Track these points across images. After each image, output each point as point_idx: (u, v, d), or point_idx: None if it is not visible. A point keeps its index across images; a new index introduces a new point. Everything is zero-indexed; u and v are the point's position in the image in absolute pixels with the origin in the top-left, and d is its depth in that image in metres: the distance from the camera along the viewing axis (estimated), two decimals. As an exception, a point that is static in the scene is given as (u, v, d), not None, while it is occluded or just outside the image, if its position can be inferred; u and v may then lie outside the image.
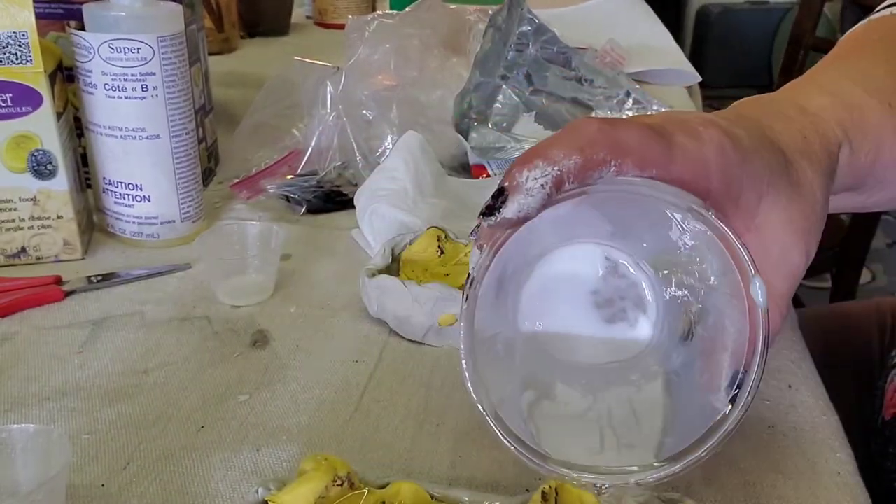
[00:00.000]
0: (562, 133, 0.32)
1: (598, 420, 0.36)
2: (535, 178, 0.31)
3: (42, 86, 0.59)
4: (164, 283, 0.61)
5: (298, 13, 1.63)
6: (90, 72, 0.61)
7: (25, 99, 0.59)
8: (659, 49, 1.22)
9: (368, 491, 0.38)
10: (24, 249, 0.63)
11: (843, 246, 1.51)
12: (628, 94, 0.93)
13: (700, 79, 1.16)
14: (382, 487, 0.39)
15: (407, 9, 0.94)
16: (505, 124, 0.88)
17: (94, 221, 0.69)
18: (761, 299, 0.31)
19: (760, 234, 0.35)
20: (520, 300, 0.36)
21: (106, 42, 0.59)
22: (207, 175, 0.79)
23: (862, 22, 0.55)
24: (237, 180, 0.79)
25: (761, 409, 0.48)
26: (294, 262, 0.65)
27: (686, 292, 0.35)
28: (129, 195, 0.64)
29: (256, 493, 0.38)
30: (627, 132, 0.32)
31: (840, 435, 0.47)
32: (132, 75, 0.60)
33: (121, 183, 0.64)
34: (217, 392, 0.49)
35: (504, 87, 0.89)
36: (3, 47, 0.57)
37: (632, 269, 0.36)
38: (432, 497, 0.39)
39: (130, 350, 0.53)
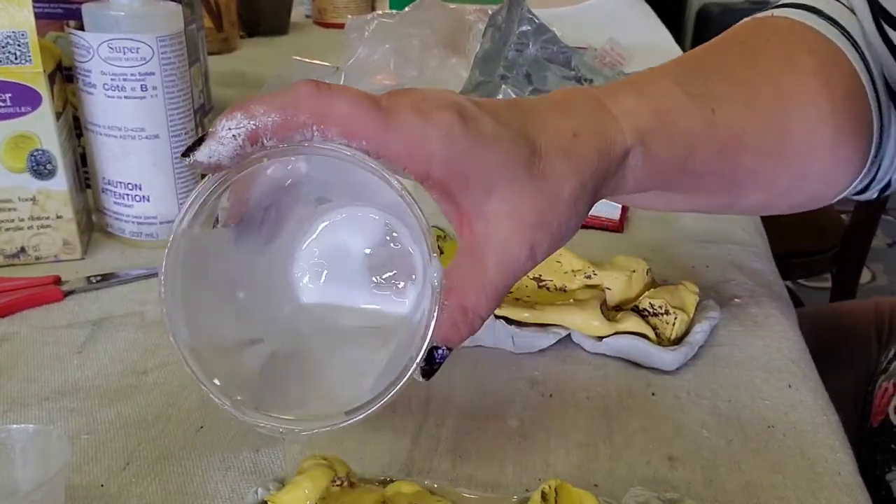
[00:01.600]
0: (276, 91, 0.33)
1: (308, 374, 0.37)
2: (229, 129, 0.32)
3: (41, 86, 0.59)
4: (163, 283, 0.61)
5: (298, 12, 1.63)
6: (89, 71, 0.61)
7: (25, 99, 0.59)
8: (659, 49, 1.22)
9: (368, 490, 0.38)
10: (23, 249, 0.63)
11: (843, 246, 1.51)
12: (628, 94, 0.93)
13: (700, 78, 1.15)
14: (382, 487, 0.39)
15: (406, 8, 0.94)
16: (505, 124, 0.88)
17: (93, 221, 0.69)
18: (436, 283, 0.33)
19: (487, 222, 0.35)
20: (294, 251, 0.36)
21: (105, 42, 0.59)
22: (207, 175, 0.79)
23: (747, 18, 0.53)
24: (237, 180, 0.78)
25: (761, 408, 0.48)
26: (294, 261, 0.65)
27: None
28: (128, 195, 0.64)
29: (256, 493, 0.38)
30: (339, 100, 0.32)
31: (840, 435, 0.46)
32: (131, 75, 0.60)
33: (120, 183, 0.64)
34: (216, 392, 0.49)
35: (504, 86, 0.89)
36: (3, 47, 0.57)
37: (407, 240, 0.36)
38: (432, 496, 0.39)
39: (130, 350, 0.53)
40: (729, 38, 0.50)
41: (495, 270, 0.36)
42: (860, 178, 0.51)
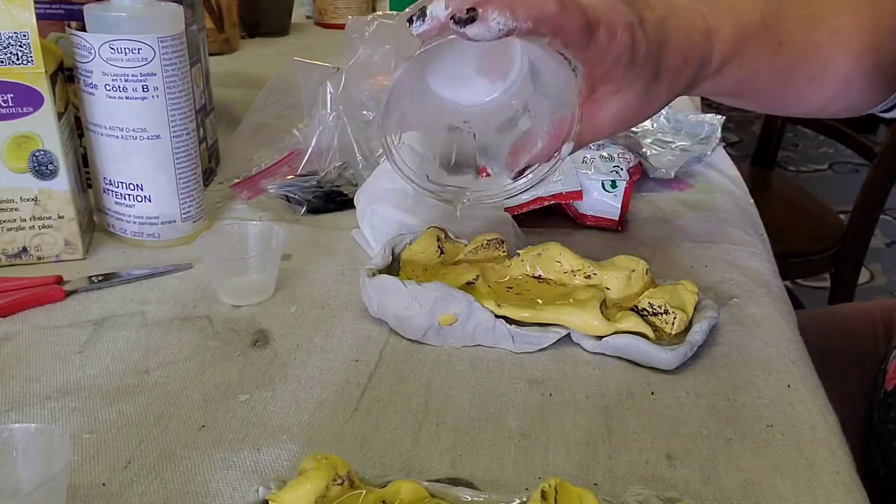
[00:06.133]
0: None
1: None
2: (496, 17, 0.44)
3: (43, 86, 0.59)
4: (165, 283, 0.61)
5: (298, 13, 1.63)
6: (91, 72, 0.61)
7: (26, 99, 0.59)
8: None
9: (368, 490, 0.38)
10: (25, 249, 0.63)
11: (842, 246, 1.51)
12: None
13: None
14: (382, 486, 0.39)
15: (407, 9, 0.94)
16: (505, 124, 0.88)
17: (94, 221, 0.69)
18: (569, 151, 0.51)
19: (604, 105, 0.52)
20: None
21: (106, 42, 0.60)
22: (208, 175, 0.79)
23: None
24: (238, 180, 0.79)
25: (760, 407, 0.48)
26: (294, 262, 0.65)
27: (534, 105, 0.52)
28: (129, 195, 0.65)
29: (257, 492, 0.38)
30: (571, 21, 0.46)
31: (838, 434, 0.47)
32: (133, 76, 0.60)
33: (122, 183, 0.64)
34: (218, 391, 0.49)
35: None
36: (5, 48, 0.57)
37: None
38: (432, 496, 0.39)
39: (131, 349, 0.53)
40: None
41: (590, 127, 0.52)
42: (891, 99, 0.60)
